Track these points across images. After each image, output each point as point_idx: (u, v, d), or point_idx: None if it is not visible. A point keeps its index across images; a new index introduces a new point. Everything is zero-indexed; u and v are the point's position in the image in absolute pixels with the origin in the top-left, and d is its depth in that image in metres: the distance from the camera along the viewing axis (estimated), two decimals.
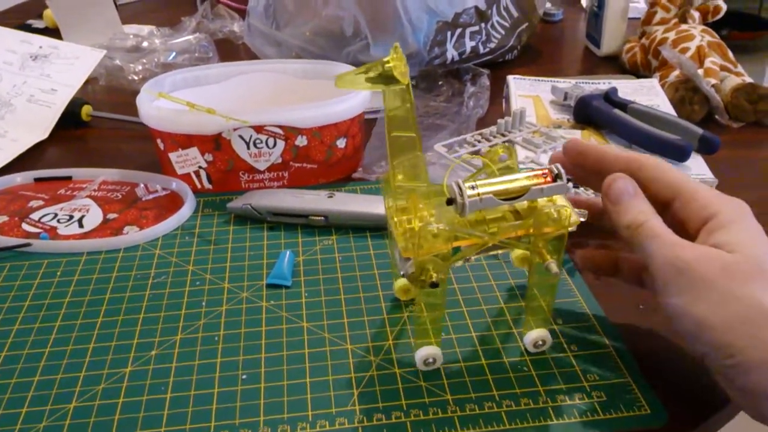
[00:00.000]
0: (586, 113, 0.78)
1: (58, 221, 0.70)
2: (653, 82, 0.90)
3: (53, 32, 1.17)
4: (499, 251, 0.53)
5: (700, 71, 0.91)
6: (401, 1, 0.95)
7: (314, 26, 1.01)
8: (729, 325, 0.42)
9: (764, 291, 0.42)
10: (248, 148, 0.73)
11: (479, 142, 0.75)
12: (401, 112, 0.46)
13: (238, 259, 0.65)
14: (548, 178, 0.47)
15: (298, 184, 0.77)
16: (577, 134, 0.76)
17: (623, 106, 0.78)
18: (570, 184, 0.50)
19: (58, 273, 0.64)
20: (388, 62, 0.43)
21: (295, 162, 0.75)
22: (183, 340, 0.56)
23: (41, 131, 0.89)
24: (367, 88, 0.46)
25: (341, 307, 0.59)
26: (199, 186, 0.76)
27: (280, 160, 0.75)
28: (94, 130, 0.93)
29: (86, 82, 0.98)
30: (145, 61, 1.05)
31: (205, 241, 0.68)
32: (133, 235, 0.68)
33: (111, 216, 0.71)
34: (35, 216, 0.71)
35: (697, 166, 0.69)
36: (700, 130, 0.72)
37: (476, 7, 1.01)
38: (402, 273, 0.48)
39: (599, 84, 0.87)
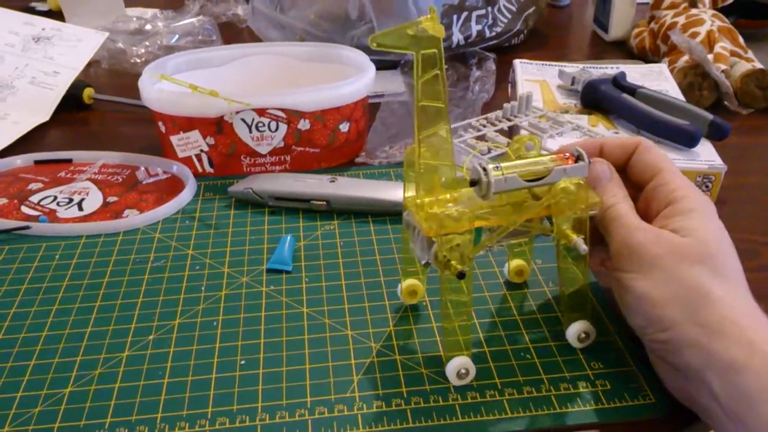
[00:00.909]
0: (594, 98, 0.77)
1: (58, 204, 0.69)
2: (662, 67, 0.89)
3: (56, 15, 1.16)
4: (521, 239, 0.52)
5: (710, 56, 0.89)
6: None
7: (319, 9, 0.99)
8: (667, 301, 0.44)
9: (708, 275, 0.44)
10: (250, 131, 0.72)
11: (484, 126, 0.73)
12: (432, 79, 0.45)
13: (238, 244, 0.65)
14: (570, 160, 0.47)
15: (301, 168, 0.76)
16: (584, 119, 0.75)
17: (632, 90, 0.77)
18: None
19: (57, 256, 0.63)
20: (421, 22, 0.42)
21: (298, 146, 0.74)
22: (181, 324, 0.55)
23: (43, 113, 0.88)
24: (401, 49, 0.44)
25: (342, 293, 0.58)
26: (200, 170, 0.75)
27: (282, 144, 0.74)
28: (96, 112, 0.93)
29: (88, 65, 0.97)
30: (147, 43, 1.04)
31: (205, 225, 0.67)
32: (132, 219, 0.67)
33: (111, 199, 0.70)
34: (35, 198, 0.70)
35: (706, 153, 0.68)
36: (710, 116, 0.70)
37: None
38: (423, 262, 0.47)
39: (607, 69, 0.86)
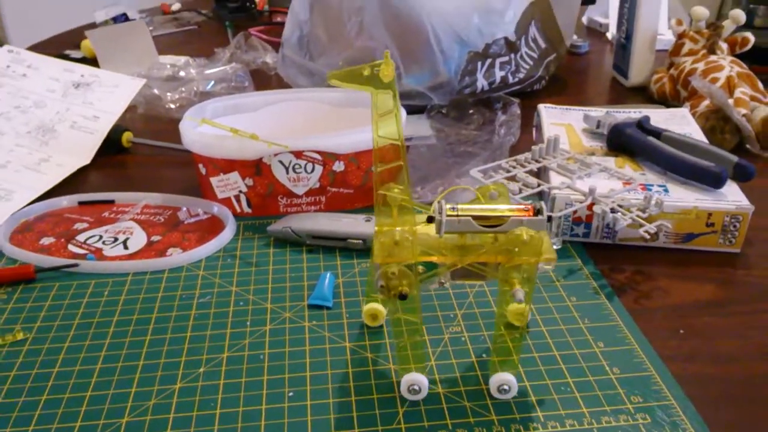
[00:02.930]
0: (620, 141, 0.79)
1: (104, 243, 0.72)
2: (684, 111, 0.91)
3: (90, 62, 1.20)
4: (478, 281, 0.53)
5: (731, 101, 0.92)
6: (433, 32, 0.97)
7: (347, 57, 1.03)
8: None
9: None
10: (287, 172, 0.75)
11: (514, 168, 0.76)
12: (388, 117, 0.47)
13: (279, 281, 0.67)
14: (530, 212, 0.49)
15: (334, 208, 0.78)
16: (611, 161, 0.77)
17: (657, 134, 0.79)
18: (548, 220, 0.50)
19: (106, 293, 0.65)
20: (378, 65, 0.45)
21: (333, 187, 0.77)
22: (230, 357, 0.57)
23: (84, 156, 0.91)
24: (357, 88, 0.47)
25: (382, 328, 0.60)
26: (238, 210, 0.78)
27: (317, 185, 0.76)
28: (134, 156, 0.96)
29: (125, 110, 1.00)
30: (183, 89, 1.08)
31: (246, 263, 0.69)
32: (177, 257, 0.69)
33: (155, 238, 0.73)
34: (81, 238, 0.73)
35: (732, 194, 0.70)
36: (735, 158, 0.72)
37: (506, 38, 1.03)
38: (377, 286, 0.49)
39: (630, 113, 0.88)
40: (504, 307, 0.51)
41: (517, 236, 0.47)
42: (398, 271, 0.48)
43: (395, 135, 0.47)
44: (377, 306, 0.59)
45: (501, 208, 0.49)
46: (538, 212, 0.49)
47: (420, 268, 0.50)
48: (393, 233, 0.48)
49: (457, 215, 0.48)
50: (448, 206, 0.49)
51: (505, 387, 0.52)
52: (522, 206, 0.49)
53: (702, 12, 1.08)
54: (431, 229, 0.50)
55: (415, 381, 0.51)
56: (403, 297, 0.48)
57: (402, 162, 0.48)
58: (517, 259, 0.48)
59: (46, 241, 0.73)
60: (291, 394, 0.53)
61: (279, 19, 1.57)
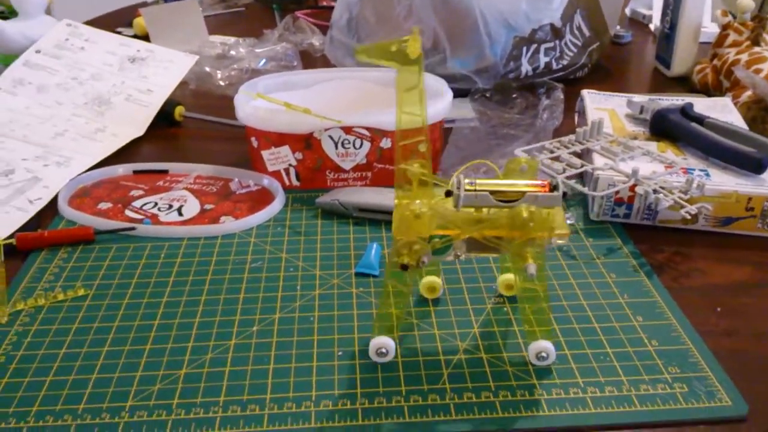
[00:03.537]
0: (663, 126, 0.80)
1: (159, 209, 0.75)
2: (726, 101, 0.92)
3: (142, 40, 1.23)
4: (495, 254, 0.54)
5: None
6: (481, 16, 0.99)
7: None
8: None
9: None
10: (336, 147, 0.77)
11: (558, 149, 0.77)
12: (413, 92, 0.49)
13: (327, 250, 0.69)
14: (546, 188, 0.50)
15: (380, 184, 0.80)
16: (653, 146, 0.78)
17: (700, 120, 0.80)
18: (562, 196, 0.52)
19: (162, 255, 0.68)
20: (406, 41, 0.47)
21: (379, 163, 0.79)
22: (281, 318, 0.59)
23: (138, 128, 0.94)
24: (384, 63, 0.48)
25: (427, 298, 0.62)
26: (287, 183, 0.80)
27: (364, 161, 0.79)
28: (186, 129, 0.99)
29: (177, 85, 1.03)
30: (236, 66, 1.11)
31: (295, 232, 0.72)
32: (229, 224, 0.72)
33: (208, 206, 0.76)
34: (137, 204, 0.76)
35: None
36: None
37: (552, 25, 1.05)
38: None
39: (673, 100, 0.89)
40: (519, 281, 0.53)
41: (531, 212, 0.49)
42: (413, 243, 0.50)
43: (418, 111, 0.49)
44: (435, 279, 0.61)
45: (518, 184, 0.51)
46: (554, 188, 0.50)
47: (437, 240, 0.52)
48: (413, 206, 0.50)
49: (475, 190, 0.50)
50: (467, 181, 0.50)
51: (543, 354, 0.53)
52: (539, 182, 0.50)
53: (747, 4, 1.08)
54: (449, 203, 0.51)
55: (383, 344, 0.54)
56: (404, 267, 0.50)
57: (423, 138, 0.50)
58: (532, 233, 0.50)
59: (104, 206, 0.76)
60: (340, 353, 0.55)
61: (324, 3, 1.59)
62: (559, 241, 0.51)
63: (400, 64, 0.47)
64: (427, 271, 0.61)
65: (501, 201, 0.50)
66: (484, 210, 0.51)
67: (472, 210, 0.51)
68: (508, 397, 0.51)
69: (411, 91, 0.49)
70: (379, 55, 0.48)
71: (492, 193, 0.50)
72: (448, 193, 0.51)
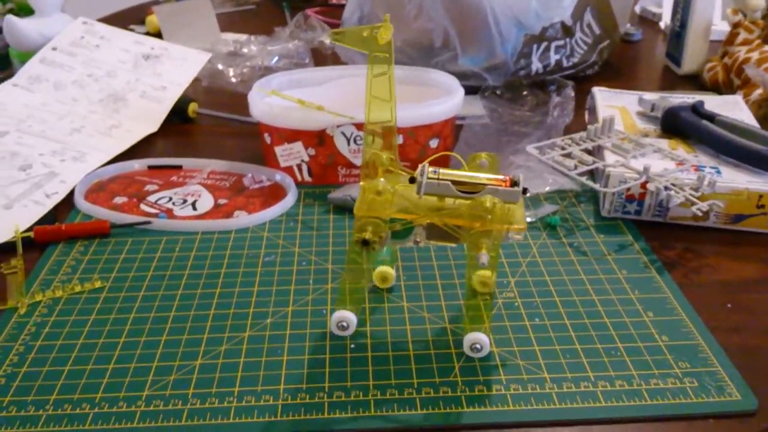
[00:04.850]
0: (674, 124, 0.81)
1: (173, 204, 0.76)
2: (737, 98, 0.92)
3: (154, 37, 1.24)
4: (453, 244, 0.55)
5: None
6: (492, 13, 0.99)
7: (406, 38, 1.05)
8: None
9: None
10: (348, 144, 0.78)
11: (569, 145, 0.78)
12: (382, 78, 0.51)
13: (339, 244, 0.70)
14: (507, 183, 0.51)
15: None
16: (664, 143, 0.79)
17: (710, 118, 0.80)
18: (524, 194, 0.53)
19: (177, 249, 0.69)
20: (377, 27, 0.49)
21: None
22: (294, 311, 0.60)
23: (152, 124, 0.95)
24: (356, 48, 0.51)
25: (438, 291, 0.63)
26: (299, 178, 0.81)
27: None
28: (199, 125, 1.00)
29: (191, 82, 1.04)
30: (248, 63, 1.12)
31: (308, 227, 0.73)
32: (243, 219, 0.73)
33: (221, 201, 0.76)
34: (152, 198, 0.77)
35: None
36: None
37: (562, 23, 1.05)
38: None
39: (684, 98, 0.90)
40: (471, 271, 0.54)
41: (490, 205, 0.50)
42: (371, 222, 0.51)
43: (387, 96, 0.51)
44: (387, 269, 0.62)
45: (479, 176, 0.52)
46: (514, 184, 0.51)
47: (397, 225, 0.53)
48: (376, 183, 0.52)
49: (438, 178, 0.51)
50: (431, 170, 0.52)
51: (477, 346, 0.54)
52: (501, 177, 0.52)
53: (758, 2, 1.08)
54: (413, 189, 0.53)
55: (345, 318, 0.55)
56: (365, 243, 0.52)
57: (392, 122, 0.52)
58: (489, 224, 0.51)
59: (119, 200, 0.77)
60: (353, 346, 0.56)
61: (335, 1, 1.60)
62: (516, 236, 0.52)
63: (370, 50, 0.50)
64: (380, 261, 0.62)
65: (463, 192, 0.52)
66: (448, 200, 0.53)
67: (435, 199, 0.53)
68: (519, 391, 0.52)
69: (381, 77, 0.52)
70: (351, 40, 0.51)
71: (454, 183, 0.51)
72: (412, 180, 0.52)
